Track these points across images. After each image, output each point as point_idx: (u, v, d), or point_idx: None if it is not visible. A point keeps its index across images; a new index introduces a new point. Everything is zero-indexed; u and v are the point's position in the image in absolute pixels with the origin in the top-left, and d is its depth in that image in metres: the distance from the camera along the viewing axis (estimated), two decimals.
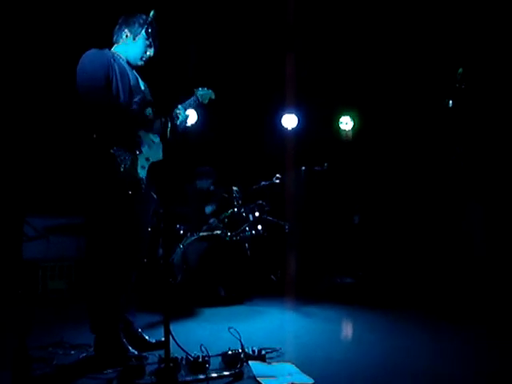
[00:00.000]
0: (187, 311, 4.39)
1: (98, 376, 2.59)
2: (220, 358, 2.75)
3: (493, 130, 5.13)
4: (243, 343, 2.86)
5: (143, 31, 3.05)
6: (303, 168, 6.25)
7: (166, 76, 2.69)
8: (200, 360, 2.61)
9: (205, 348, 2.72)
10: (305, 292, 5.30)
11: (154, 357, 2.78)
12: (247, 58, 6.50)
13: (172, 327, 2.29)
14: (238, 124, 6.89)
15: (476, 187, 5.03)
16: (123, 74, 2.95)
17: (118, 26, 3.12)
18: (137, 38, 3.07)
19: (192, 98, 3.32)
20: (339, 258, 6.36)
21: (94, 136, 2.78)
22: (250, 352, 2.82)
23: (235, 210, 5.38)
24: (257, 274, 5.39)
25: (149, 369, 2.58)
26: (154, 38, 3.08)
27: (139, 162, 2.91)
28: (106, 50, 3.02)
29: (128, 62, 3.09)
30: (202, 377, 2.50)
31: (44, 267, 5.39)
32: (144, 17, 3.05)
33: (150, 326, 3.70)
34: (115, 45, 3.12)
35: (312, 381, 2.47)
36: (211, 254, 4.88)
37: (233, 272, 4.89)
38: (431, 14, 5.77)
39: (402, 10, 5.90)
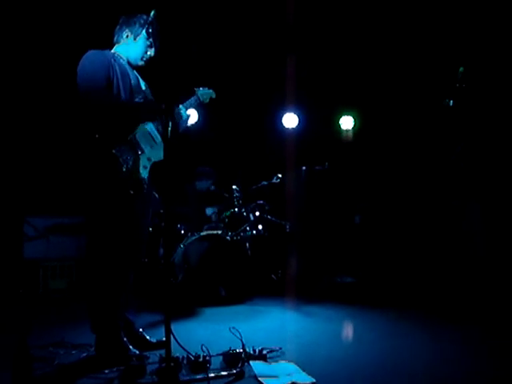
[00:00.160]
0: (188, 311, 4.40)
1: (99, 376, 2.60)
2: (221, 358, 2.75)
3: (494, 130, 5.13)
4: (244, 343, 2.86)
5: (144, 31, 3.06)
6: (304, 168, 6.26)
7: (167, 76, 2.69)
8: (201, 359, 2.61)
9: (206, 347, 2.72)
10: (305, 291, 5.30)
11: (154, 356, 2.78)
12: (248, 57, 6.50)
13: (173, 327, 2.29)
14: (238, 123, 6.89)
15: (476, 187, 5.03)
16: (124, 74, 2.96)
17: (118, 27, 3.13)
18: (137, 38, 3.07)
19: (193, 98, 3.32)
20: (340, 257, 6.36)
21: (97, 136, 2.79)
22: (251, 351, 2.82)
23: (236, 209, 5.39)
24: (257, 273, 5.39)
25: (150, 368, 2.58)
26: (155, 38, 3.08)
27: (141, 162, 2.91)
28: (107, 50, 3.03)
29: (128, 62, 3.09)
30: (203, 376, 2.50)
31: (45, 267, 5.40)
32: (145, 17, 3.06)
33: (151, 326, 3.71)
34: (116, 45, 3.12)
35: (313, 380, 2.47)
36: (212, 253, 4.88)
37: (233, 272, 4.89)
38: (431, 13, 5.77)
39: (403, 10, 5.90)
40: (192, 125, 3.50)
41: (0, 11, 5.18)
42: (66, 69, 3.33)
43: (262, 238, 5.50)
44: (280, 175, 5.72)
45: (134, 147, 2.89)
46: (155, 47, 3.12)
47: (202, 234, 5.02)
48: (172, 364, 2.34)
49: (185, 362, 2.63)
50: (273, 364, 2.74)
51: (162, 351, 2.37)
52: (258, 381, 2.49)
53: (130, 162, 2.84)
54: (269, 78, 6.62)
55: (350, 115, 7.05)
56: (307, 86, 6.71)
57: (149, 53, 3.12)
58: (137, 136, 2.91)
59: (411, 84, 6.27)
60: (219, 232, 5.07)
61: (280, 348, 3.03)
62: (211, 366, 2.63)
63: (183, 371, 2.58)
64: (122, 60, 3.04)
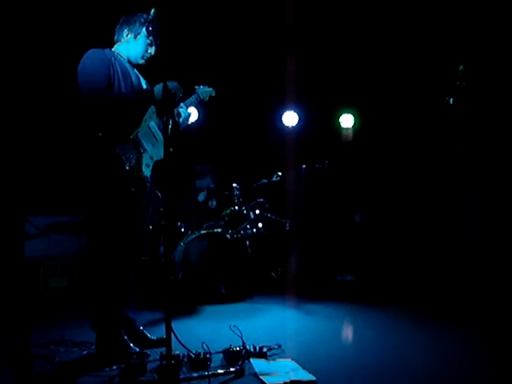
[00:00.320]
0: (188, 309, 4.40)
1: (99, 373, 2.61)
2: (221, 355, 2.76)
3: (493, 128, 5.12)
4: (244, 340, 2.87)
5: (144, 30, 3.06)
6: (304, 166, 6.26)
7: (167, 74, 2.69)
8: (201, 357, 2.62)
9: (206, 345, 2.73)
10: (305, 289, 5.31)
11: (155, 354, 2.79)
12: (248, 55, 6.50)
13: (173, 325, 2.29)
14: (238, 122, 6.89)
15: (476, 185, 5.03)
16: (125, 72, 2.96)
17: (119, 25, 3.13)
18: (138, 37, 3.07)
19: (193, 96, 3.33)
20: (340, 255, 6.36)
21: (100, 134, 2.79)
22: (251, 349, 2.84)
23: (236, 207, 5.39)
24: (258, 271, 5.40)
25: (150, 366, 2.59)
26: (155, 37, 3.08)
27: (144, 161, 2.92)
28: (107, 49, 3.03)
29: (129, 61, 3.10)
30: (203, 374, 2.50)
31: (45, 265, 5.40)
32: (145, 15, 3.06)
33: (152, 324, 3.72)
34: (116, 44, 3.13)
35: (313, 378, 2.48)
36: (212, 251, 4.89)
37: (234, 270, 4.90)
38: (431, 11, 5.77)
39: (403, 8, 5.90)
40: (192, 123, 3.49)
41: (2, 11, 5.18)
42: (67, 67, 3.34)
43: (262, 236, 5.51)
44: (280, 173, 5.73)
45: (137, 146, 2.90)
46: (156, 45, 3.12)
47: (202, 232, 5.03)
48: (173, 362, 2.34)
49: (185, 359, 2.64)
50: (273, 362, 2.75)
51: (163, 349, 2.37)
52: (259, 378, 2.50)
53: (133, 161, 2.85)
54: (269, 76, 6.62)
55: (350, 113, 7.05)
56: (307, 84, 6.71)
57: (149, 51, 3.12)
58: (139, 134, 2.92)
59: (411, 82, 6.27)
60: (219, 230, 5.08)
61: (280, 346, 3.04)
62: (212, 364, 2.64)
63: (184, 369, 2.59)
64: (122, 59, 3.05)
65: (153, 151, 2.98)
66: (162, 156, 2.93)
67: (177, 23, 5.37)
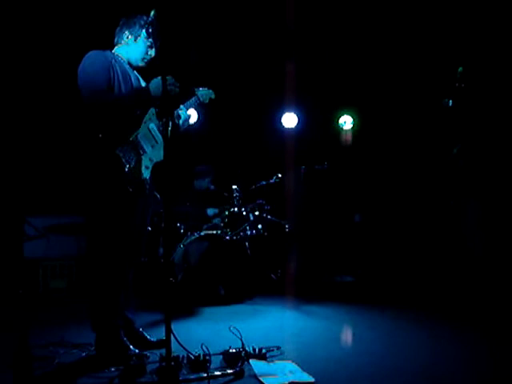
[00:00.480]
0: (188, 310, 4.41)
1: (99, 375, 2.61)
2: (221, 357, 2.76)
3: (493, 130, 5.13)
4: (244, 342, 2.87)
5: (144, 32, 3.06)
6: (303, 167, 6.26)
7: (167, 76, 2.69)
8: (201, 359, 2.62)
9: (206, 347, 2.73)
10: (305, 291, 5.31)
11: (154, 355, 2.80)
12: (247, 57, 6.51)
13: (173, 326, 2.30)
14: (238, 123, 6.89)
15: (475, 186, 5.03)
16: (125, 74, 2.97)
17: (119, 28, 3.13)
18: (138, 40, 3.07)
19: (193, 98, 3.33)
20: (339, 256, 6.37)
21: (100, 136, 2.80)
22: (251, 351, 2.83)
23: (235, 209, 5.40)
24: (257, 273, 5.40)
25: (150, 367, 2.59)
26: (155, 38, 3.08)
27: (143, 163, 2.92)
28: (108, 51, 3.03)
29: (129, 63, 3.10)
30: (203, 375, 2.51)
31: (45, 266, 5.40)
32: (145, 18, 3.05)
33: (151, 325, 3.72)
34: (116, 46, 3.13)
35: (312, 379, 2.48)
36: (212, 253, 4.89)
37: (233, 271, 4.90)
38: (431, 13, 5.77)
39: (402, 10, 5.91)
40: (192, 124, 3.50)
41: (4, 12, 5.18)
42: (67, 68, 3.34)
43: (262, 237, 5.51)
44: (279, 175, 5.73)
45: (137, 147, 2.90)
46: (156, 47, 3.12)
47: (201, 233, 5.03)
48: (172, 363, 2.35)
49: (185, 361, 2.64)
50: (272, 363, 2.75)
51: (162, 350, 2.38)
52: (258, 380, 2.50)
53: (133, 162, 2.85)
54: (268, 78, 6.63)
55: (350, 115, 7.05)
56: (307, 85, 6.72)
57: (149, 53, 3.12)
58: (139, 136, 2.93)
59: (410, 83, 6.28)
60: (219, 232, 5.08)
61: (279, 347, 3.04)
62: (211, 365, 2.64)
63: (183, 370, 2.59)
64: (122, 61, 3.05)
65: (152, 153, 2.98)
66: (162, 158, 2.93)
67: (177, 25, 5.38)
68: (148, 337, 3.12)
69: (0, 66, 5.46)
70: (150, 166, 2.98)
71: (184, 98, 3.25)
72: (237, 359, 2.71)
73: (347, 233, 6.60)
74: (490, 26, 5.44)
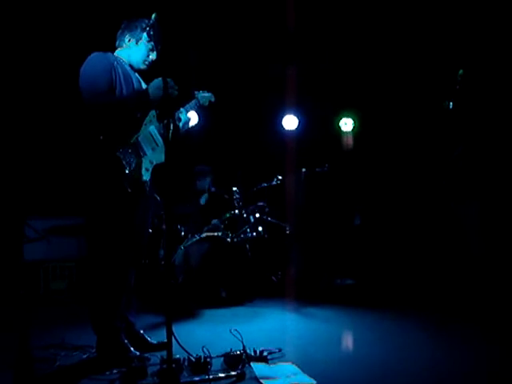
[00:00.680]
0: (188, 312, 4.40)
1: (100, 377, 2.61)
2: (222, 359, 2.76)
3: (493, 132, 5.14)
4: (245, 344, 2.87)
5: (145, 35, 3.07)
6: (304, 169, 6.26)
7: (168, 78, 2.70)
8: (202, 361, 2.62)
9: (207, 349, 2.73)
10: (305, 293, 5.31)
11: (155, 358, 2.80)
12: (248, 59, 6.51)
13: (173, 328, 2.30)
14: (238, 125, 6.90)
15: (475, 188, 5.04)
16: (126, 76, 2.98)
17: (120, 31, 3.14)
18: (139, 42, 3.08)
19: (193, 101, 3.34)
20: (339, 259, 6.37)
21: (100, 138, 2.80)
22: (252, 353, 2.84)
23: (236, 211, 5.40)
24: (258, 275, 5.40)
25: (151, 370, 2.60)
26: (157, 41, 3.09)
27: (143, 165, 2.93)
28: (109, 53, 3.04)
29: (131, 66, 3.11)
30: (204, 378, 2.51)
31: (45, 268, 5.40)
32: (146, 21, 3.06)
33: (152, 327, 3.72)
34: (118, 49, 3.13)
35: (313, 381, 2.49)
36: (212, 255, 4.89)
37: (234, 273, 4.90)
38: (432, 15, 5.78)
39: (403, 12, 5.91)
40: (192, 127, 3.51)
41: (6, 14, 5.19)
42: (69, 70, 3.34)
43: (262, 239, 5.51)
44: (280, 177, 5.73)
45: (137, 150, 2.91)
46: (157, 50, 3.13)
47: (202, 235, 5.03)
48: (173, 365, 2.35)
49: (186, 363, 2.64)
50: (273, 365, 2.76)
51: (163, 353, 2.38)
52: (259, 382, 2.50)
53: (133, 165, 2.86)
54: (269, 80, 6.63)
55: (350, 117, 7.06)
56: (307, 87, 6.72)
57: (151, 56, 3.13)
58: (139, 138, 2.93)
59: (411, 86, 6.28)
60: (219, 234, 5.08)
61: (280, 349, 3.04)
62: (212, 368, 2.64)
63: (184, 373, 2.59)
64: (124, 64, 3.06)
65: (153, 155, 2.99)
66: (163, 160, 2.94)
67: (177, 27, 5.39)
68: (149, 339, 3.12)
69: (2, 68, 5.47)
70: (150, 169, 2.98)
71: (184, 100, 3.26)
72: (238, 361, 2.71)
73: (348, 235, 6.60)
74: (491, 29, 5.44)
